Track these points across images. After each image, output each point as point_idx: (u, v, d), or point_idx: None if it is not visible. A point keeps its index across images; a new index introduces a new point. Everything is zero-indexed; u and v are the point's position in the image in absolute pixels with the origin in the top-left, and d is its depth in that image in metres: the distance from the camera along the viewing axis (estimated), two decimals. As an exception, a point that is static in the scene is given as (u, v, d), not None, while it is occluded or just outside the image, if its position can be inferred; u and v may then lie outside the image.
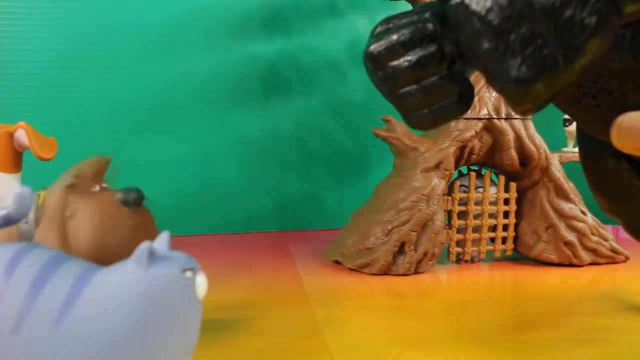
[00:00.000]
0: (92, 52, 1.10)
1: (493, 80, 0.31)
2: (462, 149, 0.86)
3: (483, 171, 0.91)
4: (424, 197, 0.82)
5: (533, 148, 0.87)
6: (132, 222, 0.50)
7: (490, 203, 0.89)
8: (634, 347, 0.53)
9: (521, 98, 0.31)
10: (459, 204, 0.87)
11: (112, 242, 0.49)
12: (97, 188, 0.50)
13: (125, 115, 1.12)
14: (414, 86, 0.40)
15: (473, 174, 0.87)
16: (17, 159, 0.61)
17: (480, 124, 0.85)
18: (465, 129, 0.85)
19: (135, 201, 0.50)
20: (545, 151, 0.88)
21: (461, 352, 0.51)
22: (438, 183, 0.84)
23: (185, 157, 1.15)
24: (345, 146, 1.23)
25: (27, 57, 1.07)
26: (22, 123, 0.59)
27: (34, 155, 0.59)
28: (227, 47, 1.15)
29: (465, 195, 0.87)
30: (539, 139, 0.88)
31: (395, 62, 0.40)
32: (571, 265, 0.86)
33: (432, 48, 0.39)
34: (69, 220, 0.48)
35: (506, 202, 0.90)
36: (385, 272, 0.80)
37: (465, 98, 0.41)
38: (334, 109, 1.21)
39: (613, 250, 0.88)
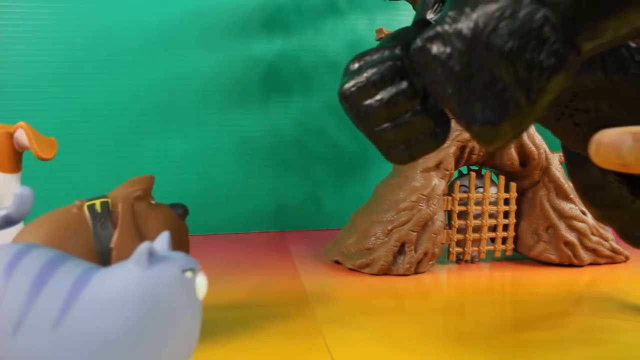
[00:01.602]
0: (92, 52, 1.10)
1: (459, 121, 0.31)
2: (462, 149, 0.86)
3: (483, 171, 0.91)
4: (424, 197, 0.82)
5: (533, 148, 0.87)
6: (185, 232, 0.58)
7: (491, 203, 0.89)
8: (634, 347, 0.53)
9: (488, 139, 0.31)
10: (459, 204, 0.87)
11: (182, 248, 0.57)
12: (153, 202, 0.57)
13: (125, 115, 1.12)
14: (388, 124, 0.40)
15: (473, 174, 0.87)
16: (17, 159, 0.61)
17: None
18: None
19: (184, 215, 0.59)
20: (545, 151, 0.88)
21: (461, 352, 0.51)
22: (438, 183, 0.84)
23: (186, 157, 1.15)
24: (345, 146, 1.23)
25: (28, 57, 1.07)
26: (21, 123, 0.59)
27: (34, 155, 0.59)
28: (227, 47, 1.15)
29: (465, 195, 0.87)
30: (539, 139, 0.88)
31: (368, 102, 0.40)
32: (571, 265, 0.86)
33: (403, 85, 0.40)
34: (142, 227, 0.54)
35: (506, 202, 0.90)
36: (385, 272, 0.81)
37: (441, 131, 0.41)
38: (334, 109, 1.21)
39: (613, 250, 0.88)
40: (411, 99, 0.39)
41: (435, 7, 0.50)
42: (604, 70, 0.37)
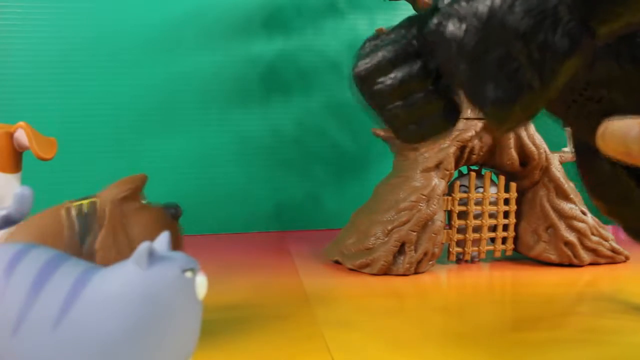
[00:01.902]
0: (92, 52, 1.10)
1: (472, 101, 0.31)
2: (462, 149, 0.86)
3: (483, 171, 0.91)
4: (424, 197, 0.82)
5: (533, 148, 0.87)
6: (177, 233, 0.56)
7: (491, 203, 0.89)
8: (634, 347, 0.53)
9: (500, 119, 0.31)
10: (459, 204, 0.87)
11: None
12: (143, 202, 0.55)
13: (125, 115, 1.12)
14: (400, 102, 0.41)
15: (473, 174, 0.87)
16: (17, 159, 0.61)
17: (480, 124, 0.85)
18: (465, 129, 0.85)
19: (177, 215, 0.56)
20: (545, 151, 0.88)
21: (461, 352, 0.51)
22: (438, 183, 0.84)
23: (186, 157, 1.15)
24: (345, 146, 1.23)
25: (27, 57, 1.07)
26: (21, 123, 0.59)
27: (34, 155, 0.59)
28: (227, 47, 1.15)
29: (465, 195, 0.87)
30: (539, 139, 0.88)
31: (381, 79, 0.41)
32: (571, 265, 0.86)
33: (416, 65, 0.40)
34: (129, 228, 0.53)
35: (506, 202, 0.90)
36: (385, 272, 0.81)
37: (451, 113, 0.41)
38: (334, 109, 1.21)
39: (613, 250, 0.88)
40: (424, 79, 0.40)
41: None
42: (617, 59, 0.36)
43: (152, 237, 0.53)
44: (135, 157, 1.13)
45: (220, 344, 0.53)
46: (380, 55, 0.41)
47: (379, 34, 0.43)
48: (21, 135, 0.59)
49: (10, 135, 0.59)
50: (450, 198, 0.86)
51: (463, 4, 0.31)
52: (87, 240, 0.51)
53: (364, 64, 0.41)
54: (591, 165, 0.51)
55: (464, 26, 0.30)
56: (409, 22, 0.43)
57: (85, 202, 0.53)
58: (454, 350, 0.52)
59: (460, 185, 0.88)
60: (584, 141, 0.49)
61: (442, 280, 0.79)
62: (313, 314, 0.62)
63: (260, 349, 0.52)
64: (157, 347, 0.34)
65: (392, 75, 0.40)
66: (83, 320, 0.33)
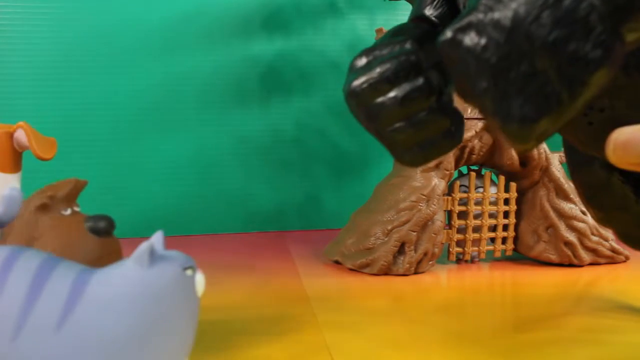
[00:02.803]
0: (92, 52, 1.10)
1: (493, 119, 0.29)
2: (462, 149, 0.86)
3: (483, 171, 0.91)
4: (424, 197, 0.82)
5: (533, 148, 0.87)
6: (98, 251, 0.48)
7: (491, 203, 0.89)
8: (634, 348, 0.53)
9: (525, 137, 0.29)
10: (459, 204, 0.87)
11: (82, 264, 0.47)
12: (68, 211, 0.49)
13: (125, 115, 1.12)
14: (402, 123, 0.38)
15: (473, 174, 0.87)
16: (16, 159, 0.61)
17: (480, 124, 0.85)
18: (465, 129, 0.85)
19: (105, 230, 0.48)
20: (545, 151, 0.88)
21: (461, 352, 0.51)
22: (438, 183, 0.84)
23: (186, 157, 1.15)
24: (345, 146, 1.23)
25: (27, 57, 1.07)
26: (21, 123, 0.59)
27: (33, 155, 0.59)
28: (227, 47, 1.15)
29: (465, 195, 0.87)
30: (539, 139, 0.88)
31: (380, 99, 0.38)
32: (571, 265, 0.86)
33: (419, 82, 0.37)
34: (35, 242, 0.47)
35: (506, 202, 0.90)
36: (385, 272, 0.80)
37: (457, 131, 0.39)
38: (334, 109, 1.21)
39: (613, 250, 0.88)
40: (427, 96, 0.37)
41: (435, 2, 0.48)
42: (624, 67, 0.35)
43: (58, 252, 0.46)
44: (135, 157, 1.13)
45: (220, 344, 0.53)
46: (376, 72, 0.38)
47: (370, 49, 0.40)
48: (21, 135, 0.59)
49: (10, 135, 0.59)
50: (450, 198, 0.86)
51: (481, 15, 0.28)
52: None
53: (360, 82, 0.38)
54: (585, 173, 0.50)
55: (483, 40, 0.28)
56: (398, 36, 0.40)
57: None
58: (453, 350, 0.52)
59: (460, 185, 0.88)
60: (577, 149, 0.49)
61: (442, 280, 0.79)
62: (313, 314, 0.62)
63: (260, 349, 0.52)
64: (160, 344, 0.34)
65: (391, 94, 0.37)
66: (87, 321, 0.33)
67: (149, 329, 0.34)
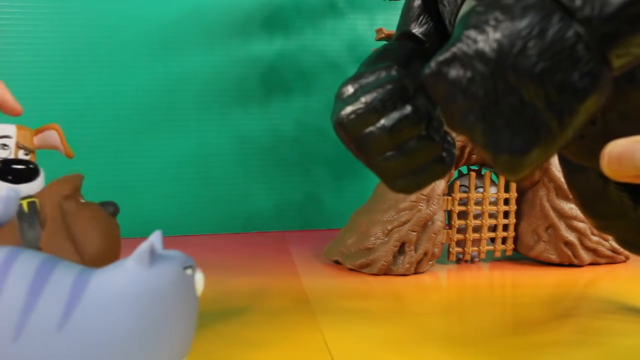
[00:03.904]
0: (92, 52, 1.10)
1: (484, 150, 0.29)
2: (462, 148, 0.86)
3: (483, 171, 0.91)
4: (424, 197, 0.82)
5: (533, 148, 0.87)
6: (117, 230, 0.57)
7: (491, 203, 0.89)
8: (634, 349, 0.53)
9: (517, 168, 0.28)
10: (459, 204, 0.87)
11: (113, 247, 0.55)
12: (83, 201, 0.55)
13: (125, 115, 1.12)
14: (392, 152, 0.37)
15: (473, 174, 0.87)
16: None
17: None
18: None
19: (115, 213, 0.58)
20: (545, 151, 0.88)
21: (461, 352, 0.51)
22: (438, 183, 0.84)
23: (186, 157, 1.15)
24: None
25: (27, 57, 1.07)
26: (54, 125, 0.60)
27: (64, 155, 0.60)
28: (227, 47, 1.15)
29: (465, 195, 0.87)
30: (539, 139, 0.88)
31: (369, 129, 0.37)
32: (571, 265, 0.86)
33: (407, 110, 0.37)
34: (73, 226, 0.53)
35: (506, 202, 0.90)
36: (385, 272, 0.81)
37: (448, 156, 0.39)
38: (334, 109, 1.21)
39: (613, 250, 0.88)
40: (417, 125, 0.37)
41: (420, 19, 0.48)
42: (615, 80, 0.35)
43: (93, 234, 0.53)
44: (135, 157, 1.13)
45: (219, 344, 0.53)
46: (363, 101, 0.37)
47: (355, 77, 0.39)
48: (52, 136, 0.60)
49: (32, 136, 0.60)
50: (450, 198, 0.86)
51: (465, 47, 0.27)
52: (30, 239, 0.51)
53: (347, 113, 0.37)
54: (581, 183, 0.50)
55: (469, 73, 0.27)
56: (384, 61, 0.40)
57: (24, 201, 0.52)
58: (453, 351, 0.52)
59: (460, 185, 0.88)
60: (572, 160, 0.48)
61: (442, 280, 0.79)
62: (313, 313, 0.62)
63: (259, 349, 0.52)
64: (161, 344, 0.35)
65: (380, 124, 0.37)
66: (89, 321, 0.33)
67: (150, 328, 0.34)
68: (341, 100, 0.39)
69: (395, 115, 0.37)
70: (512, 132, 0.27)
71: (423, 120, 0.37)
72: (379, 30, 0.90)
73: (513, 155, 0.27)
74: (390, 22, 1.22)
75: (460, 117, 0.28)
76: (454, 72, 0.27)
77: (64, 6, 1.08)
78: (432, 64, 0.28)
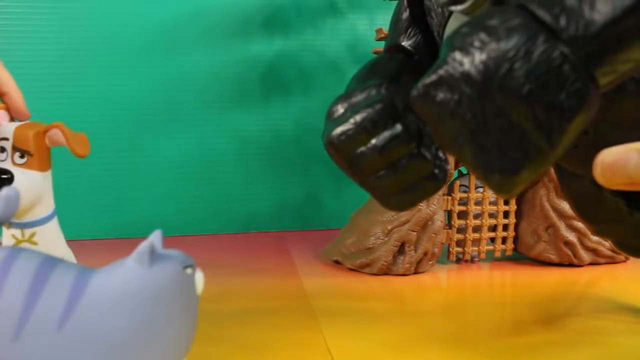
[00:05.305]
0: (92, 52, 1.10)
1: (474, 172, 0.29)
2: (462, 149, 0.86)
3: (483, 171, 0.91)
4: (424, 197, 0.82)
5: (533, 148, 0.87)
6: None
7: (490, 203, 0.89)
8: (634, 349, 0.53)
9: (508, 188, 0.28)
10: (459, 204, 0.87)
11: None
12: None
13: (125, 115, 1.12)
14: (384, 170, 0.38)
15: (473, 174, 0.87)
16: (49, 157, 0.61)
17: (480, 124, 0.85)
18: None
19: None
20: (545, 151, 0.88)
21: (461, 352, 0.51)
22: (438, 183, 0.84)
23: (185, 157, 1.15)
24: (345, 146, 1.22)
25: (27, 57, 1.07)
26: (57, 123, 0.59)
27: (72, 153, 0.59)
28: (227, 47, 1.15)
29: (465, 195, 0.87)
30: (539, 139, 0.88)
31: (360, 149, 0.37)
32: (571, 265, 0.86)
33: (397, 129, 0.37)
34: None
35: (506, 202, 0.90)
36: (385, 272, 0.80)
37: (440, 172, 0.39)
38: (334, 109, 1.21)
39: (613, 250, 0.87)
40: (407, 143, 0.37)
41: (409, 31, 0.48)
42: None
43: None
44: (135, 157, 1.13)
45: (219, 344, 0.53)
46: (352, 122, 0.37)
47: (345, 96, 0.39)
48: (56, 135, 0.59)
49: (44, 134, 0.60)
50: (450, 198, 0.86)
51: (450, 69, 0.27)
52: None
53: (338, 134, 0.37)
54: (576, 189, 0.50)
55: (456, 95, 0.27)
56: (373, 78, 0.40)
57: None
58: (453, 351, 0.52)
59: (460, 185, 0.88)
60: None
61: (442, 280, 0.79)
62: (313, 314, 0.62)
63: (259, 349, 0.52)
64: (161, 344, 0.35)
65: (371, 144, 0.37)
66: (89, 320, 0.33)
67: (150, 328, 0.34)
68: (331, 121, 0.39)
69: (385, 135, 0.37)
70: (501, 152, 0.27)
71: (414, 139, 0.37)
72: (379, 30, 0.90)
73: (503, 175, 0.27)
74: (390, 22, 1.22)
75: (449, 138, 0.28)
76: (441, 95, 0.27)
77: (64, 6, 1.08)
78: (420, 86, 0.28)
